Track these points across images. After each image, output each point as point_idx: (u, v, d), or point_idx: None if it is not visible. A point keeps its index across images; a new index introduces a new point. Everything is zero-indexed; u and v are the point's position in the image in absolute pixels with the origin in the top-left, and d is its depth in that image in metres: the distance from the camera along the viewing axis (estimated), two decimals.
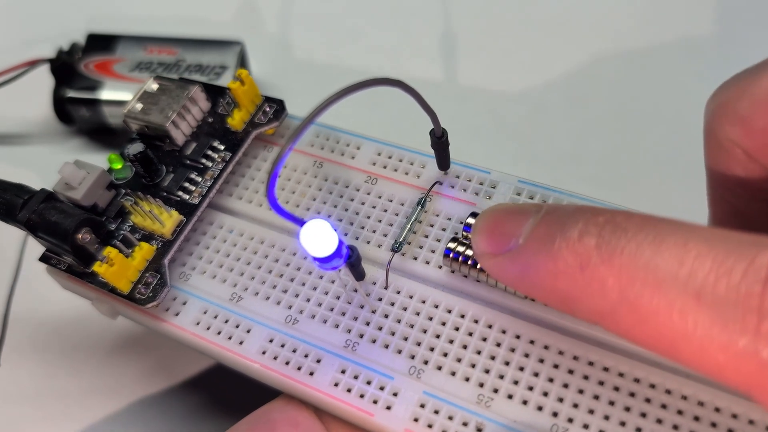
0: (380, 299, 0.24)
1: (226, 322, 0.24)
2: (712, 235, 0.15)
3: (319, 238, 0.19)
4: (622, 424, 0.20)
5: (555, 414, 0.21)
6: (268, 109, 0.28)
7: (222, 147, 0.27)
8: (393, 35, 0.46)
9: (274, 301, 0.24)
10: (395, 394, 0.22)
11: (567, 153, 0.39)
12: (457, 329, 0.23)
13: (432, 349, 0.23)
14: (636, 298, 0.16)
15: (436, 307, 0.23)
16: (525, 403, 0.21)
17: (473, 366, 0.22)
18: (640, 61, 0.42)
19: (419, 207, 0.25)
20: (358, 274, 0.23)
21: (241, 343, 0.24)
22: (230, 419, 0.23)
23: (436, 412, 0.21)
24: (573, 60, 0.43)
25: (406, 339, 0.23)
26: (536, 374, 0.22)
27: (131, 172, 0.27)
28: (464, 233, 0.23)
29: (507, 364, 0.22)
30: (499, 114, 0.41)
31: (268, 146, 0.28)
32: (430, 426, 0.21)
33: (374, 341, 0.23)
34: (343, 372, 0.23)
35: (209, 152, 0.27)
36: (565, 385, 0.21)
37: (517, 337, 0.22)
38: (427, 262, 0.24)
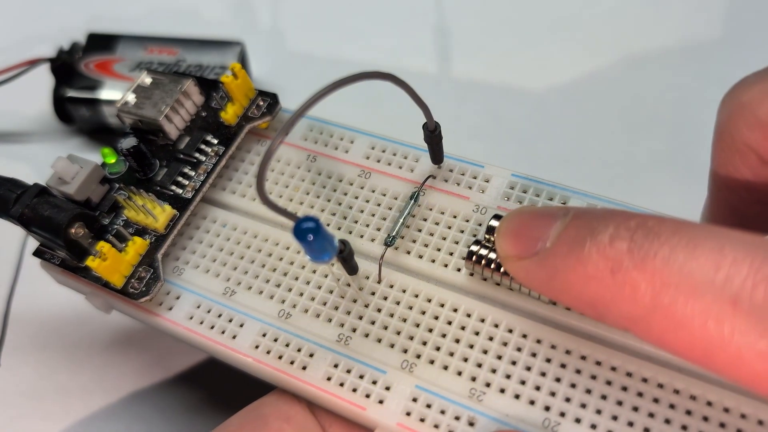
0: (373, 293, 0.24)
1: (219, 316, 0.24)
2: (748, 240, 0.15)
3: (312, 234, 0.19)
4: (614, 418, 0.20)
5: (547, 408, 0.21)
6: (261, 103, 0.28)
7: (215, 141, 0.27)
8: (394, 34, 0.46)
9: (267, 295, 0.24)
10: (387, 388, 0.22)
11: (567, 153, 0.39)
12: (449, 323, 0.23)
13: (424, 343, 0.23)
14: (670, 304, 0.15)
15: (429, 301, 0.23)
16: (517, 397, 0.21)
17: (465, 360, 0.22)
18: (641, 61, 0.42)
19: (412, 201, 0.25)
20: (351, 269, 0.23)
21: (234, 337, 0.24)
22: (225, 413, 0.23)
23: (429, 406, 0.21)
24: (573, 60, 0.43)
25: (398, 333, 0.23)
26: (528, 368, 0.22)
27: (125, 167, 0.27)
28: (486, 236, 0.23)
29: (499, 358, 0.22)
30: (499, 114, 0.41)
31: (261, 140, 0.28)
32: (422, 420, 0.21)
33: (367, 335, 0.23)
34: (335, 366, 0.23)
35: (202, 146, 0.27)
36: (557, 380, 0.21)
37: (510, 331, 0.22)
38: (420, 256, 0.24)
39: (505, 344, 0.22)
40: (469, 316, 0.23)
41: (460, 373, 0.22)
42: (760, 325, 0.14)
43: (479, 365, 0.22)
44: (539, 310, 0.22)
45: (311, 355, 0.23)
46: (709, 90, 0.38)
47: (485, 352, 0.22)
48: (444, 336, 0.23)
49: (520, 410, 0.21)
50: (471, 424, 0.21)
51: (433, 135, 0.24)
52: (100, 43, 0.41)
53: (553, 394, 0.21)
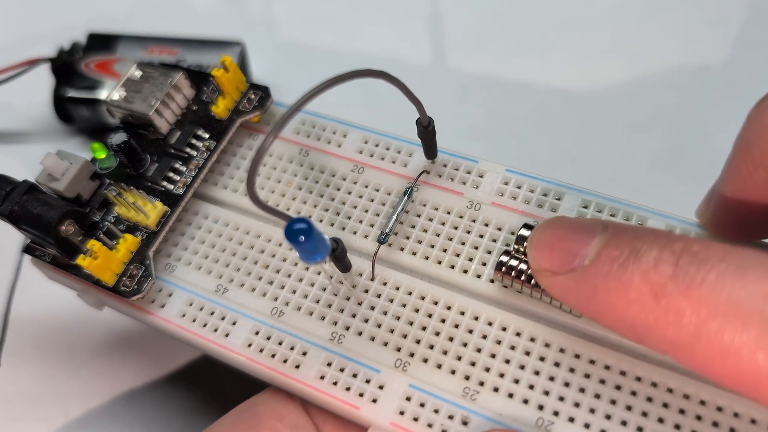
0: (366, 291, 0.24)
1: (212, 314, 0.24)
2: None
3: (303, 235, 0.19)
4: (608, 417, 0.20)
5: (541, 407, 0.21)
6: (253, 97, 0.27)
7: (206, 135, 0.27)
8: (395, 32, 0.45)
9: (259, 292, 0.24)
10: (381, 387, 0.22)
11: (567, 153, 0.39)
12: (443, 321, 0.23)
13: (418, 342, 0.22)
14: (717, 333, 0.15)
15: (423, 298, 0.23)
16: (511, 396, 0.21)
17: (459, 358, 0.22)
18: (641, 61, 0.42)
19: (406, 197, 0.25)
20: (344, 266, 0.23)
21: (226, 335, 0.24)
22: (221, 412, 0.23)
23: (422, 405, 0.21)
24: (574, 59, 0.42)
25: (392, 331, 0.23)
26: (522, 367, 0.21)
27: (115, 162, 0.27)
28: (516, 246, 0.22)
29: (493, 356, 0.22)
30: (499, 113, 0.41)
31: (253, 134, 0.28)
32: (415, 419, 0.21)
33: (360, 333, 0.23)
34: (329, 365, 0.23)
35: (193, 141, 0.27)
36: (551, 378, 0.21)
37: (504, 329, 0.22)
38: (414, 253, 0.24)
39: (499, 342, 0.22)
40: (462, 313, 0.23)
41: (453, 372, 0.22)
42: None
43: (473, 364, 0.22)
44: (533, 308, 0.22)
45: (304, 354, 0.23)
46: (710, 90, 0.38)
47: (479, 350, 0.22)
48: (437, 334, 0.22)
49: (514, 409, 0.21)
50: (464, 423, 0.21)
51: (426, 130, 0.24)
52: (101, 43, 0.41)
53: (546, 392, 0.21)
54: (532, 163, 0.36)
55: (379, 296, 0.23)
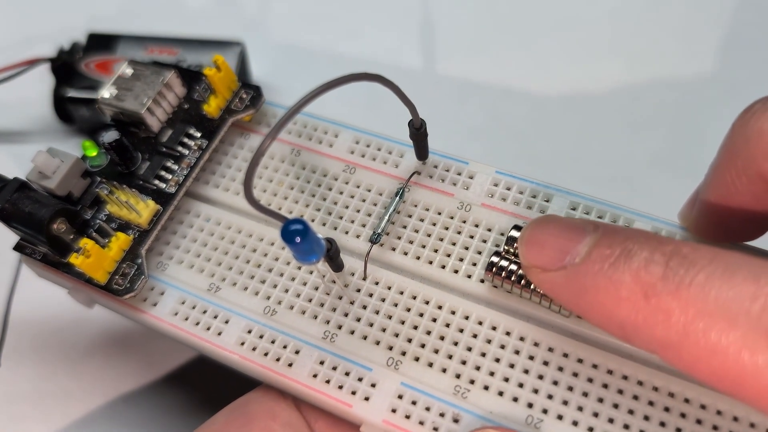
0: (358, 290, 0.24)
1: (204, 312, 0.24)
2: None
3: (299, 237, 0.19)
4: (595, 414, 0.21)
5: (530, 405, 0.21)
6: (244, 96, 0.27)
7: (198, 134, 0.27)
8: (395, 33, 0.45)
9: (252, 291, 0.25)
10: (373, 385, 0.22)
11: (567, 153, 0.39)
12: (434, 320, 0.23)
13: (409, 340, 0.23)
14: (704, 333, 0.15)
15: (414, 298, 0.23)
16: (501, 394, 0.22)
17: (450, 357, 0.22)
18: (641, 61, 0.42)
19: (397, 197, 0.25)
20: (336, 266, 0.23)
21: (219, 334, 0.24)
22: (214, 410, 0.23)
23: (414, 403, 0.22)
24: (574, 60, 0.43)
25: (384, 330, 0.23)
26: (512, 366, 0.22)
27: (106, 160, 0.27)
28: (506, 247, 0.23)
29: (483, 355, 0.22)
30: (499, 114, 0.41)
31: (245, 133, 0.28)
32: (407, 417, 0.22)
33: (352, 332, 0.23)
34: (321, 363, 0.23)
35: (185, 139, 0.27)
36: (540, 377, 0.22)
37: (494, 328, 0.23)
38: (405, 253, 0.24)
39: (489, 341, 0.22)
40: (453, 313, 0.23)
41: (444, 370, 0.22)
42: None
43: (463, 362, 0.22)
44: (523, 308, 0.23)
45: (297, 352, 0.23)
46: (709, 90, 0.38)
47: (469, 349, 0.22)
48: (429, 333, 0.23)
49: (504, 407, 0.21)
50: (455, 420, 0.21)
51: (418, 132, 0.24)
52: (101, 43, 0.41)
53: (536, 391, 0.21)
54: (532, 164, 0.37)
55: (371, 295, 0.24)
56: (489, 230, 0.24)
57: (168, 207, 0.25)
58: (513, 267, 0.22)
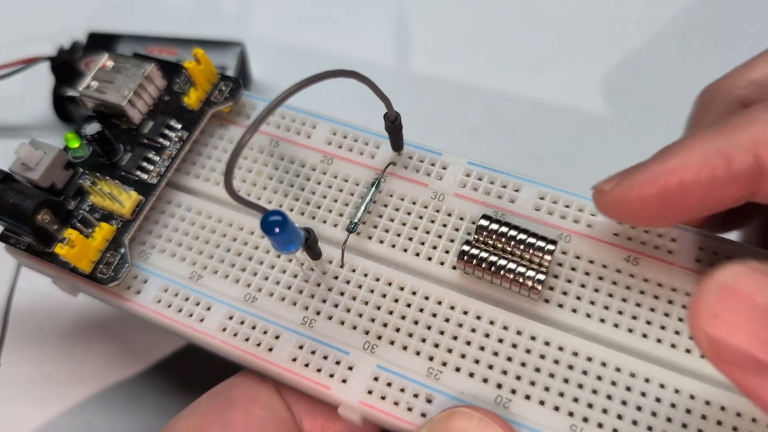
0: (336, 278, 0.25)
1: (187, 300, 0.25)
2: None
3: (278, 227, 0.20)
4: (561, 394, 0.22)
5: (499, 386, 0.22)
6: (224, 88, 0.28)
7: (179, 126, 0.27)
8: (395, 34, 0.46)
9: (233, 279, 0.25)
10: (350, 368, 0.23)
11: (567, 153, 0.40)
12: (408, 306, 0.24)
13: (385, 325, 0.24)
14: None
15: (390, 284, 0.24)
16: (471, 375, 0.23)
17: (424, 341, 0.23)
18: (641, 61, 0.43)
19: (374, 188, 0.26)
20: (315, 255, 0.24)
21: (201, 320, 0.25)
22: (197, 395, 0.24)
23: (389, 384, 0.23)
24: (573, 60, 0.43)
25: (360, 316, 0.24)
26: (482, 348, 0.23)
27: (88, 151, 0.27)
28: (476, 236, 0.24)
29: (455, 338, 0.23)
30: (499, 114, 0.42)
31: (224, 124, 0.29)
32: (383, 398, 0.23)
33: (330, 318, 0.24)
34: (300, 347, 0.24)
35: (166, 131, 0.27)
36: (509, 359, 0.23)
37: (465, 312, 0.24)
38: (381, 242, 0.25)
39: (461, 325, 0.23)
40: (427, 298, 0.24)
41: (418, 353, 0.23)
42: None
43: (436, 345, 0.23)
44: (493, 293, 0.24)
45: (277, 337, 0.24)
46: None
47: (442, 333, 0.23)
48: (403, 318, 0.24)
49: (475, 388, 0.22)
50: (429, 401, 0.22)
51: (393, 125, 0.25)
52: (101, 42, 0.41)
53: (504, 372, 0.23)
54: (531, 163, 0.37)
55: (348, 282, 0.25)
56: (461, 219, 0.25)
57: (150, 197, 0.26)
58: (483, 255, 0.23)
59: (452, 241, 0.25)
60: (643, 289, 0.23)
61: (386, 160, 0.27)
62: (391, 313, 0.24)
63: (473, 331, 0.23)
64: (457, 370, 0.23)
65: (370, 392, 0.23)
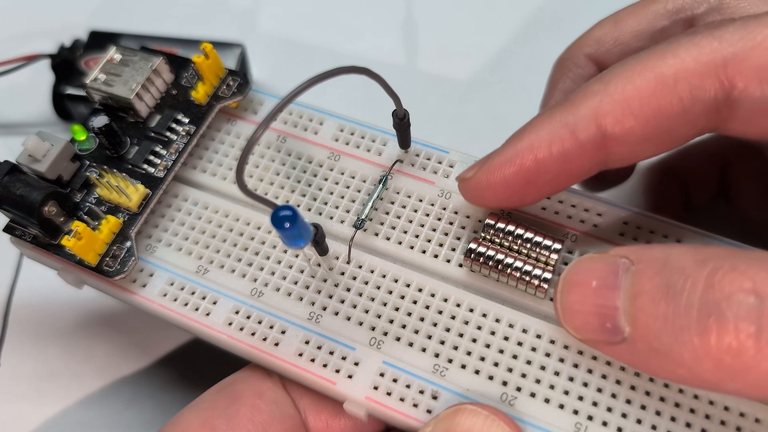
0: (343, 274, 0.25)
1: (193, 294, 0.25)
2: None
3: (288, 222, 0.20)
4: (566, 392, 0.22)
5: (504, 383, 0.22)
6: (231, 83, 0.28)
7: (186, 120, 0.27)
8: (396, 34, 0.46)
9: (239, 274, 0.25)
10: (356, 364, 0.23)
11: None
12: (414, 302, 0.24)
13: (391, 321, 0.24)
14: None
15: (396, 281, 0.25)
16: (477, 372, 0.23)
17: (430, 337, 0.23)
18: None
19: (381, 185, 0.26)
20: (322, 250, 0.24)
21: (207, 314, 0.25)
22: (202, 389, 0.24)
23: (395, 380, 0.23)
24: None
25: (367, 311, 0.24)
26: (488, 346, 0.23)
27: (95, 143, 0.27)
28: (483, 234, 0.24)
29: (461, 336, 0.23)
30: (502, 113, 0.42)
31: (232, 119, 0.29)
32: (389, 393, 0.23)
33: (337, 313, 0.24)
34: (306, 343, 0.24)
35: (173, 125, 0.27)
36: (514, 357, 0.23)
37: (471, 310, 0.24)
38: (388, 239, 0.25)
39: (467, 323, 0.24)
40: (433, 295, 0.24)
41: (424, 350, 0.23)
42: None
43: (442, 342, 0.23)
44: (499, 291, 0.24)
45: (283, 332, 0.24)
46: None
47: (448, 330, 0.24)
48: (410, 314, 0.24)
49: (480, 385, 0.23)
50: (434, 397, 0.23)
51: (402, 122, 0.25)
52: (102, 41, 0.41)
53: (510, 370, 0.23)
54: None
55: (354, 278, 0.25)
56: (467, 217, 0.25)
57: (157, 191, 0.26)
58: (490, 253, 0.23)
59: (459, 239, 0.25)
60: None
61: (393, 157, 0.27)
62: (397, 309, 0.24)
63: (479, 328, 0.23)
64: (463, 367, 0.23)
65: (375, 388, 0.23)
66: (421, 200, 0.26)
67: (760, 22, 0.19)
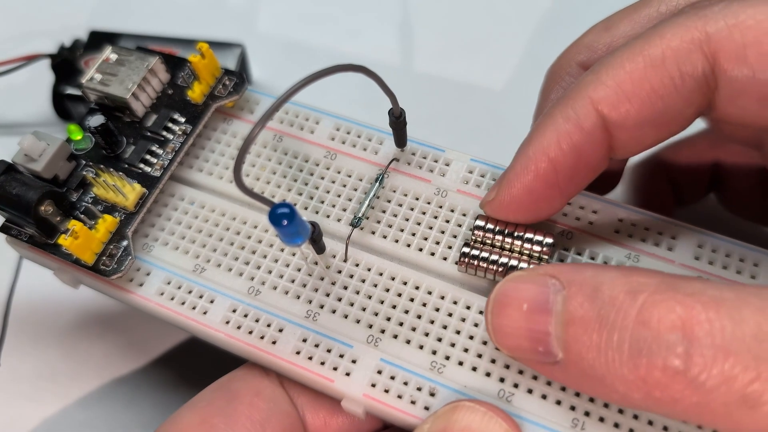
0: (340, 272, 0.25)
1: (190, 292, 0.25)
2: None
3: (286, 220, 0.20)
4: (563, 389, 0.22)
5: (502, 380, 0.23)
6: (227, 82, 0.28)
7: (182, 119, 0.27)
8: (396, 35, 0.46)
9: (236, 272, 0.25)
10: (354, 361, 0.23)
11: None
12: (411, 300, 0.24)
13: (388, 319, 0.24)
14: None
15: (393, 279, 0.25)
16: (474, 369, 0.23)
17: (427, 335, 0.24)
18: None
19: (377, 183, 0.26)
20: (319, 248, 0.24)
21: (205, 313, 0.25)
22: (199, 388, 0.24)
23: (393, 377, 0.23)
24: None
25: (364, 309, 0.24)
26: (485, 342, 0.23)
27: (91, 143, 0.27)
28: (473, 236, 0.24)
29: (458, 333, 0.23)
30: (500, 112, 0.42)
31: (228, 119, 0.29)
32: (386, 391, 0.23)
33: (334, 311, 0.24)
34: (304, 341, 0.24)
35: (170, 124, 0.27)
36: None
37: (468, 307, 0.24)
38: (385, 237, 0.25)
39: (463, 320, 0.24)
40: (430, 293, 0.24)
41: (421, 347, 0.23)
42: None
43: (439, 339, 0.23)
44: (492, 286, 0.24)
45: (281, 330, 0.24)
46: None
47: (445, 327, 0.24)
48: (407, 312, 0.24)
49: (478, 382, 0.23)
50: (432, 394, 0.23)
51: (398, 121, 0.25)
52: (102, 41, 0.41)
53: (507, 366, 0.23)
54: None
55: (351, 276, 0.25)
56: (464, 215, 0.25)
57: (153, 190, 0.26)
58: (484, 254, 0.24)
59: (455, 236, 0.25)
60: None
61: (389, 156, 0.27)
62: (394, 307, 0.24)
63: (476, 325, 0.24)
64: (460, 364, 0.23)
65: (373, 385, 0.23)
66: (417, 198, 0.26)
67: (742, 3, 0.20)
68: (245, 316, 0.25)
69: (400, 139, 0.26)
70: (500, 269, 0.23)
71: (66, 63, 0.40)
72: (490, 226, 0.24)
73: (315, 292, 0.25)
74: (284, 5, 0.48)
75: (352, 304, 0.24)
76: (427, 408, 0.22)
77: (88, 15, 0.46)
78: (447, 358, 0.23)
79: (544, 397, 0.22)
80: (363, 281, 0.25)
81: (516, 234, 0.24)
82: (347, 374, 0.23)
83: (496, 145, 0.38)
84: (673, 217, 0.25)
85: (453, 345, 0.23)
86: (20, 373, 0.35)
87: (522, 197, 0.22)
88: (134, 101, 0.27)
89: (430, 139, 0.27)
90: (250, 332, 0.24)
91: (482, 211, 0.24)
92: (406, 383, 0.23)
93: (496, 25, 0.46)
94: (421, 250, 0.25)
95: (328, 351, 0.24)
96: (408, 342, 0.24)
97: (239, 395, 0.24)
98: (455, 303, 0.24)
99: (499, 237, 0.24)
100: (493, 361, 0.23)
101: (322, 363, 0.23)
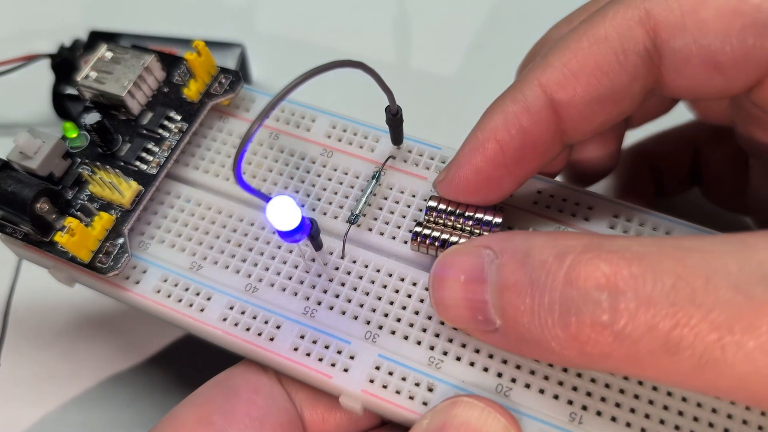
0: (337, 268, 0.25)
1: (187, 290, 0.25)
2: None
3: (286, 214, 0.20)
4: (560, 383, 0.22)
5: (499, 375, 0.23)
6: (223, 80, 0.28)
7: (178, 117, 0.27)
8: (397, 34, 0.46)
9: (233, 270, 0.25)
10: (352, 357, 0.23)
11: None
12: (409, 296, 0.24)
13: (386, 315, 0.24)
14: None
15: (390, 275, 0.25)
16: (472, 364, 0.23)
17: (424, 330, 0.24)
18: None
19: (374, 180, 0.26)
20: (317, 245, 0.24)
21: (202, 310, 0.25)
22: (198, 385, 0.24)
23: (391, 373, 0.23)
24: None
25: (361, 306, 0.24)
26: None
27: (86, 141, 0.27)
28: (426, 217, 0.24)
29: (455, 328, 0.24)
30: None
31: (224, 117, 0.29)
32: (384, 386, 0.23)
33: (332, 308, 0.24)
34: (302, 337, 0.24)
35: (165, 122, 0.27)
36: None
37: None
38: (381, 233, 0.25)
39: None
40: (427, 289, 0.24)
41: (419, 343, 0.23)
42: None
43: (437, 335, 0.24)
44: None
45: (278, 327, 0.24)
46: None
47: (442, 323, 0.24)
48: (404, 308, 0.24)
49: (476, 377, 0.23)
50: (430, 389, 0.23)
51: (395, 118, 0.25)
52: (102, 40, 0.40)
53: (505, 362, 0.23)
54: None
55: (349, 273, 0.25)
56: None
57: (150, 188, 0.26)
58: (435, 234, 0.24)
59: None
60: None
61: (386, 153, 0.27)
62: (391, 303, 0.24)
63: None
64: (458, 359, 0.23)
65: (371, 381, 0.23)
66: (413, 195, 0.26)
67: None
68: (242, 313, 0.25)
69: (397, 136, 0.26)
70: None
71: (66, 63, 0.40)
72: (442, 206, 0.24)
73: (312, 289, 0.25)
74: (284, 5, 0.48)
75: (349, 301, 0.24)
76: (425, 403, 0.22)
77: (88, 15, 0.46)
78: (445, 353, 0.23)
79: (541, 391, 0.22)
80: (360, 278, 0.25)
81: (466, 214, 0.24)
82: (345, 370, 0.23)
83: None
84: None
85: (451, 341, 0.23)
86: (20, 373, 0.34)
87: (471, 178, 0.23)
88: (130, 99, 0.27)
89: (428, 137, 0.27)
90: (248, 329, 0.24)
91: (435, 192, 0.25)
92: (404, 379, 0.23)
93: (494, 24, 0.46)
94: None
95: (326, 347, 0.24)
96: (406, 338, 0.24)
97: (237, 392, 0.24)
98: None
99: (450, 217, 0.24)
100: (491, 357, 0.23)
101: (320, 359, 0.23)
